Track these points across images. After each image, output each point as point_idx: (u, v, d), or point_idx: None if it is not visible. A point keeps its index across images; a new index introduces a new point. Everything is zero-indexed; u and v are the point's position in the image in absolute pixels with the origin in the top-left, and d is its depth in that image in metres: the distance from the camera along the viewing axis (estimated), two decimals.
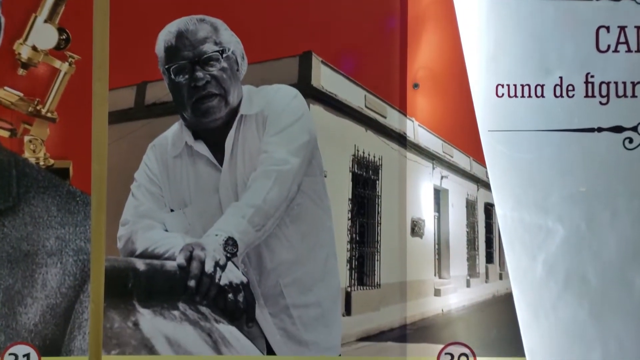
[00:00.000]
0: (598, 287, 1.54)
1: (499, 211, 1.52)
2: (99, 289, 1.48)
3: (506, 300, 1.45)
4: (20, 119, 1.51)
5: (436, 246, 1.51)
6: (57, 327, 1.48)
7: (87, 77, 1.49)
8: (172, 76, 1.47)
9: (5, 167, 1.51)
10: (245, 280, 1.47)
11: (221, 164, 1.50)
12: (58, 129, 1.52)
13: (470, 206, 1.58)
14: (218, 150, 1.51)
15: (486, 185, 1.48)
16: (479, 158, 1.48)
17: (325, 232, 1.49)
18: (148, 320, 1.46)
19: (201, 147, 1.51)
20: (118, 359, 1.45)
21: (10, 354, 1.45)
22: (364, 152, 1.51)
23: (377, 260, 1.50)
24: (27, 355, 1.46)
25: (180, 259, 1.45)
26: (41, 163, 1.51)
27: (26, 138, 1.51)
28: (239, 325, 1.46)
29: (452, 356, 1.45)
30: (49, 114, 1.52)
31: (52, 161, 1.52)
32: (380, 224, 1.51)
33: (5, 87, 1.51)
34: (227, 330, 1.46)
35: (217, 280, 1.45)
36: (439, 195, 1.54)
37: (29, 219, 1.50)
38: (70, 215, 1.51)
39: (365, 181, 1.52)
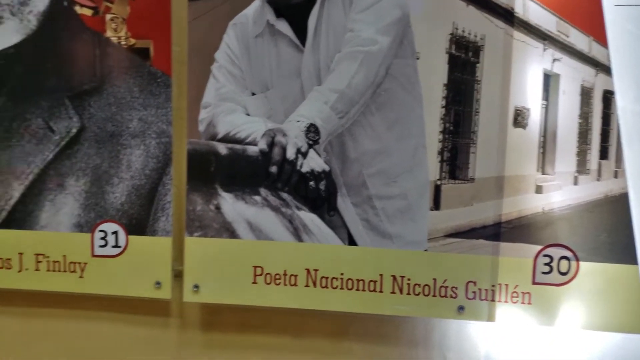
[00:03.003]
0: None
1: (619, 103, 1.31)
2: (181, 172, 1.47)
3: (620, 201, 1.28)
4: None
5: (541, 138, 1.35)
6: (142, 207, 1.50)
7: None
8: None
9: (89, 46, 1.49)
10: (327, 168, 1.40)
11: (304, 44, 1.39)
12: (138, 7, 1.46)
13: (586, 94, 1.37)
14: (301, 30, 1.39)
15: (607, 70, 1.28)
16: (601, 38, 1.26)
17: (415, 120, 1.36)
18: (230, 204, 1.44)
19: (283, 26, 1.40)
20: (200, 240, 1.46)
21: (100, 231, 1.50)
22: (463, 31, 1.34)
23: (472, 152, 1.36)
24: (116, 233, 1.50)
25: (262, 145, 1.40)
26: (122, 42, 1.48)
27: (108, 16, 1.47)
28: (320, 214, 1.41)
29: (551, 258, 1.32)
30: None
31: (133, 40, 1.48)
32: (479, 112, 1.35)
33: None
34: (308, 217, 1.42)
35: (298, 167, 1.40)
36: (549, 81, 1.35)
37: (112, 100, 1.49)
38: (152, 97, 1.48)
39: (463, 64, 1.35)
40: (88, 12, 1.48)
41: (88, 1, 1.48)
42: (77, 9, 1.48)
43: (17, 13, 1.50)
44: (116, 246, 1.51)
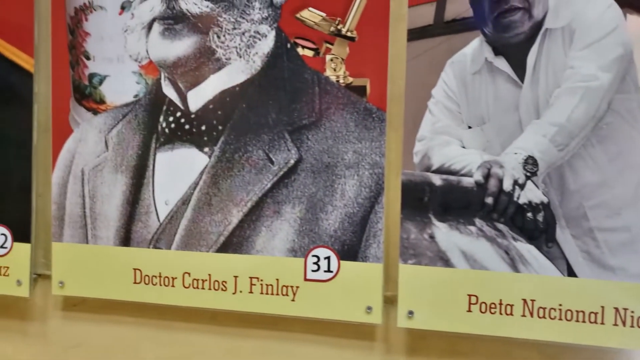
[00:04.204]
0: None
1: None
2: (395, 201, 1.55)
3: None
4: (322, 38, 1.60)
5: None
6: (354, 234, 1.58)
7: None
8: None
9: (309, 84, 1.61)
10: (545, 200, 1.44)
11: (522, 80, 1.46)
12: (357, 48, 1.58)
13: None
14: (519, 67, 1.46)
15: None
16: None
17: (638, 154, 1.38)
18: (444, 233, 1.50)
19: (502, 63, 1.47)
20: (414, 268, 1.51)
21: (313, 256, 1.60)
22: None
23: None
24: (328, 258, 1.59)
25: (478, 176, 1.47)
26: (341, 81, 1.59)
27: (328, 57, 1.60)
28: (537, 245, 1.44)
29: None
30: (349, 33, 1.58)
31: (350, 79, 1.59)
32: None
33: (309, 8, 1.60)
34: (526, 248, 1.46)
35: (515, 199, 1.44)
36: None
37: (329, 134, 1.60)
38: (366, 131, 1.58)
39: None
40: (309, 53, 1.62)
41: (310, 43, 1.62)
42: (299, 50, 1.62)
43: (244, 55, 1.66)
44: (328, 271, 1.60)
